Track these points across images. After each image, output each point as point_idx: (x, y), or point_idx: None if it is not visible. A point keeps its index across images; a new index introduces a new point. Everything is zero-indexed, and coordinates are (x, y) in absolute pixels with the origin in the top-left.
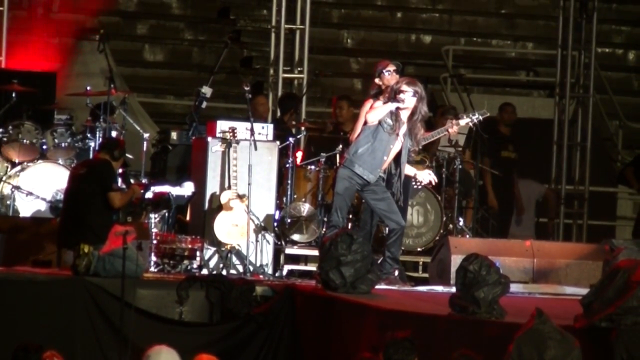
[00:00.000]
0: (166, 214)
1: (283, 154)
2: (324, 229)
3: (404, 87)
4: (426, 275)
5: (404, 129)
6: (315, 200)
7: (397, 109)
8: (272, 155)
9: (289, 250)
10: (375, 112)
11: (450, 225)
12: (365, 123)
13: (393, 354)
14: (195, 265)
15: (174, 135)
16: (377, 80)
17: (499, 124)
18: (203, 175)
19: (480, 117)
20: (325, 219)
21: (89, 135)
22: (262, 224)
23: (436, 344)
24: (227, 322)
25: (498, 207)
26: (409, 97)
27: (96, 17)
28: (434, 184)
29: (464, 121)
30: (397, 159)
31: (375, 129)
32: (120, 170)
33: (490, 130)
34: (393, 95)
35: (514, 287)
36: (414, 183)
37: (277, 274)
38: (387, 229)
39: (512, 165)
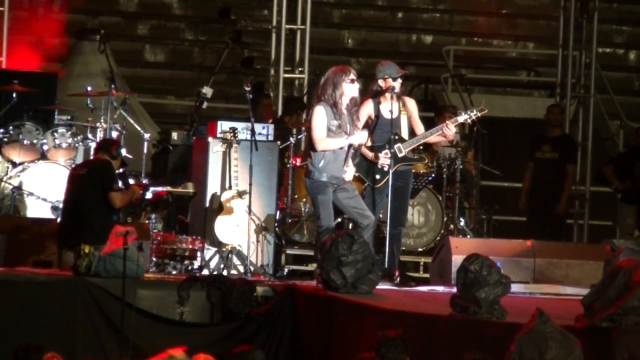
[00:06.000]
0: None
1: (283, 154)
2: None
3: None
4: (427, 275)
5: (344, 119)
6: None
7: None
8: (272, 155)
9: (290, 251)
10: (332, 142)
11: (451, 226)
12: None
13: (386, 352)
14: (196, 266)
15: (174, 135)
16: (380, 82)
17: (546, 126)
18: (204, 175)
19: (478, 114)
20: None
21: (89, 135)
22: (263, 224)
23: (437, 345)
24: (227, 323)
25: (527, 207)
26: (350, 87)
27: (97, 18)
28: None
29: (461, 118)
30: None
31: (327, 135)
32: (120, 170)
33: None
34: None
35: (514, 287)
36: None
37: (277, 274)
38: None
39: (546, 166)
